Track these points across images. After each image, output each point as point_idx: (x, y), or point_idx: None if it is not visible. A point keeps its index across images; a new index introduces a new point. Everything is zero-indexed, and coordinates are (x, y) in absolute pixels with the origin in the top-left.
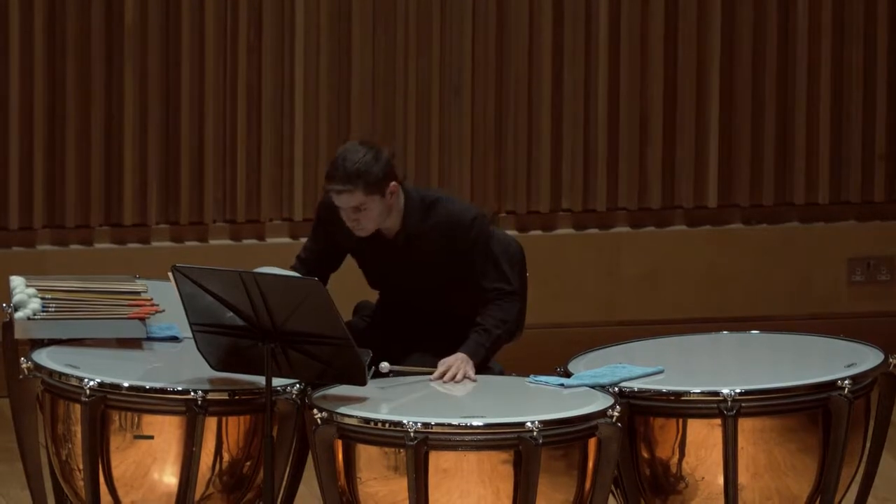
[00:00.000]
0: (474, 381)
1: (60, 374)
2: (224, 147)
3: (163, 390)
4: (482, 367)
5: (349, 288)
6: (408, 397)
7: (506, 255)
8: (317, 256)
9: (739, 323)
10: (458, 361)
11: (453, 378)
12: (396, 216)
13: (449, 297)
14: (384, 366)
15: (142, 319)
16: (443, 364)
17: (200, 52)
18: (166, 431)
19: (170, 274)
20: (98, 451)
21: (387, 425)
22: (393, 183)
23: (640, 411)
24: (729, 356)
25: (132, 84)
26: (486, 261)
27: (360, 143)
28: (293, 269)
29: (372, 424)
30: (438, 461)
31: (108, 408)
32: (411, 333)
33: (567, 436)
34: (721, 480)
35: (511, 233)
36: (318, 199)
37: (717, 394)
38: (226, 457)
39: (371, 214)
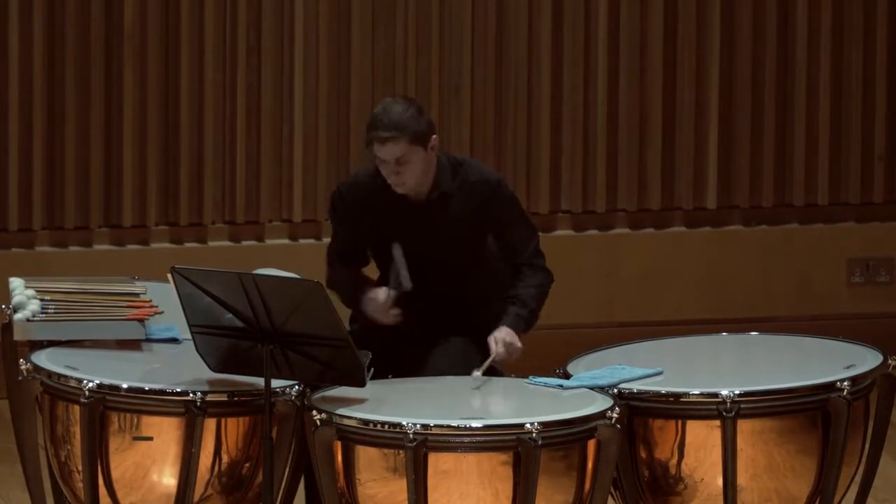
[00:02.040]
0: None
1: (59, 376)
2: (224, 148)
3: (162, 392)
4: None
5: None
6: (407, 398)
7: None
8: (352, 242)
9: (739, 324)
10: (507, 336)
11: (510, 354)
12: (430, 174)
13: (474, 266)
14: (476, 375)
15: (141, 321)
16: (495, 341)
17: (200, 53)
18: (165, 433)
19: (169, 275)
20: (97, 453)
21: (386, 427)
22: (434, 136)
23: (640, 413)
24: (728, 357)
25: (132, 84)
26: (518, 221)
27: (401, 97)
28: (331, 271)
29: (371, 426)
30: (437, 462)
31: (108, 409)
32: (426, 317)
33: (566, 437)
34: (720, 482)
35: None
36: (329, 197)
37: (716, 395)
38: (225, 458)
39: (413, 167)
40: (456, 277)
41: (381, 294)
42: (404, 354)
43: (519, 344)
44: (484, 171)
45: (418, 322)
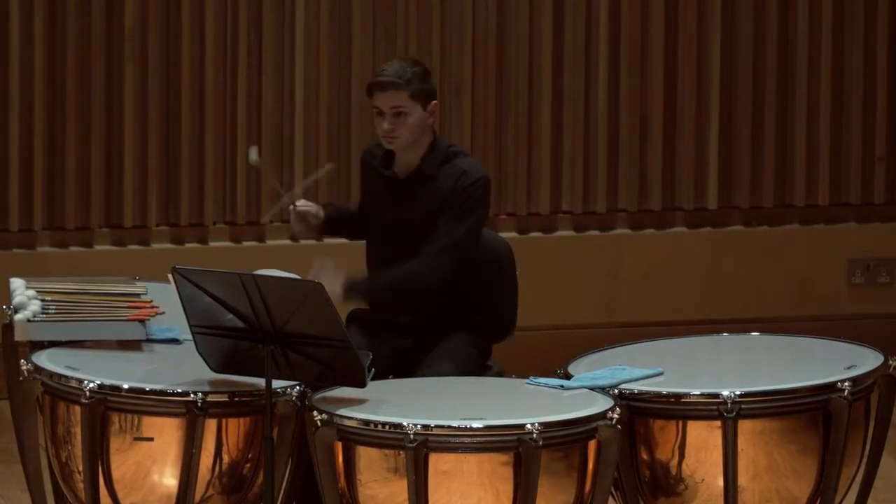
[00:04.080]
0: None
1: (60, 376)
2: (224, 148)
3: (163, 392)
4: (481, 368)
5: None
6: (408, 399)
7: (479, 226)
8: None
9: (739, 324)
10: (329, 267)
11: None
12: (420, 150)
13: None
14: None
15: (142, 321)
16: (317, 263)
17: (200, 52)
18: (166, 433)
19: (170, 276)
20: (98, 453)
21: (387, 427)
22: (434, 101)
23: (640, 413)
24: (729, 358)
25: (133, 84)
26: (457, 213)
27: (411, 57)
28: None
29: (372, 426)
30: (438, 463)
31: (108, 409)
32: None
33: (567, 438)
34: (721, 482)
35: (511, 234)
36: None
37: (717, 396)
38: (226, 458)
39: (408, 122)
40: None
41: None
42: (404, 355)
43: (337, 289)
44: (470, 166)
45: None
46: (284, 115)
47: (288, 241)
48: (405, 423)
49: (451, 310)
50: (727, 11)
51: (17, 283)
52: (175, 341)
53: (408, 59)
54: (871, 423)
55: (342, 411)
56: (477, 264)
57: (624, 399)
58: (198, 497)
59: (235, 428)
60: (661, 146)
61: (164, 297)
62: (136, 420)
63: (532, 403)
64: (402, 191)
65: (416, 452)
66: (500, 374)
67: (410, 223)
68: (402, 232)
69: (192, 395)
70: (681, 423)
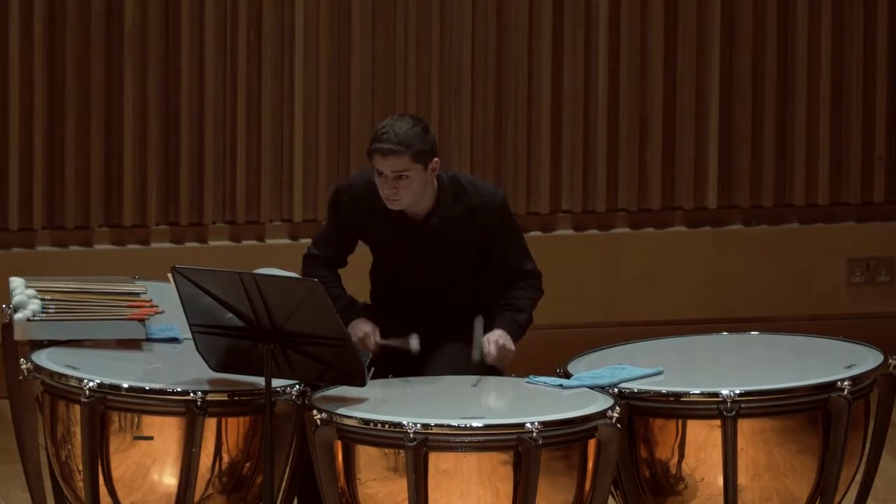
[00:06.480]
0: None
1: (60, 375)
2: (224, 148)
3: (162, 391)
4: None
5: (347, 289)
6: (407, 398)
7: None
8: (337, 245)
9: (739, 324)
10: (500, 338)
11: (503, 356)
12: (430, 196)
13: (469, 282)
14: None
15: (141, 320)
16: (488, 342)
17: (200, 53)
18: (166, 432)
19: (169, 275)
20: (98, 452)
21: (386, 426)
22: (436, 159)
23: (640, 412)
24: (728, 357)
25: (132, 84)
26: (516, 240)
27: (409, 115)
28: (309, 268)
29: (371, 425)
30: (438, 462)
31: (108, 409)
32: (418, 322)
33: (567, 437)
34: (720, 481)
35: None
36: (332, 191)
37: (716, 395)
38: (225, 458)
39: (411, 184)
40: (454, 290)
41: (372, 335)
42: (405, 353)
43: (512, 346)
44: (486, 192)
45: (416, 329)
46: (284, 115)
47: (288, 241)
48: (405, 423)
49: (451, 319)
50: (727, 11)
51: (16, 283)
52: (175, 340)
53: (406, 118)
54: (871, 423)
55: (342, 410)
56: (488, 275)
57: (623, 398)
58: (198, 496)
59: (235, 427)
60: (661, 146)
61: (164, 297)
62: (136, 419)
63: (532, 402)
64: (423, 233)
65: (415, 451)
66: (500, 373)
67: (443, 262)
68: (434, 270)
69: (191, 395)
70: (680, 422)
